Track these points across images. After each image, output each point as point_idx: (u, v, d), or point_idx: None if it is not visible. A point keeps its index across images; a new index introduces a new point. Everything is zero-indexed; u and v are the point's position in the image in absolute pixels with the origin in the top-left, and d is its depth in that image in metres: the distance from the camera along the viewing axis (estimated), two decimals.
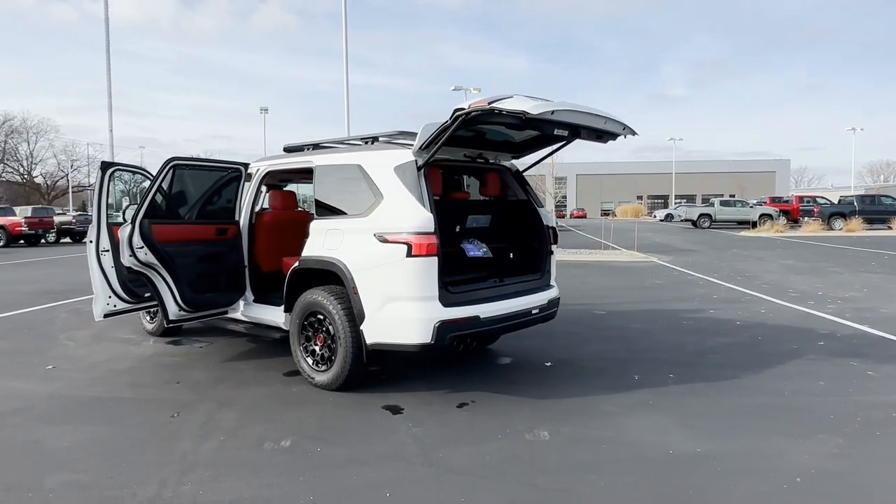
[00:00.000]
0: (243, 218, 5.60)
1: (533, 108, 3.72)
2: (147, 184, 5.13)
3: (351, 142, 5.19)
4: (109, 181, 5.20)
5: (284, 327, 5.16)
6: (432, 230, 4.20)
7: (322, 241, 4.71)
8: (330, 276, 4.64)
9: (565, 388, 4.80)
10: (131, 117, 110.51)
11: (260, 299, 5.56)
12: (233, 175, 5.37)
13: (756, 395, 4.57)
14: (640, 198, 78.89)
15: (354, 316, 4.43)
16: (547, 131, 4.12)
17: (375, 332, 4.35)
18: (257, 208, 5.74)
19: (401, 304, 4.23)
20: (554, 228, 5.43)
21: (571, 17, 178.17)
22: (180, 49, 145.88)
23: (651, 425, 3.97)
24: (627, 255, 17.36)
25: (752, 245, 21.25)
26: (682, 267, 14.17)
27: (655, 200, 78.14)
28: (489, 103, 3.84)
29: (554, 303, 5.22)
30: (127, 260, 4.67)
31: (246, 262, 5.57)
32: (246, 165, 5.44)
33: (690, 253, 18.30)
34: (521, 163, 5.67)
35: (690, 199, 68.71)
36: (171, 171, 4.80)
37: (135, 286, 5.28)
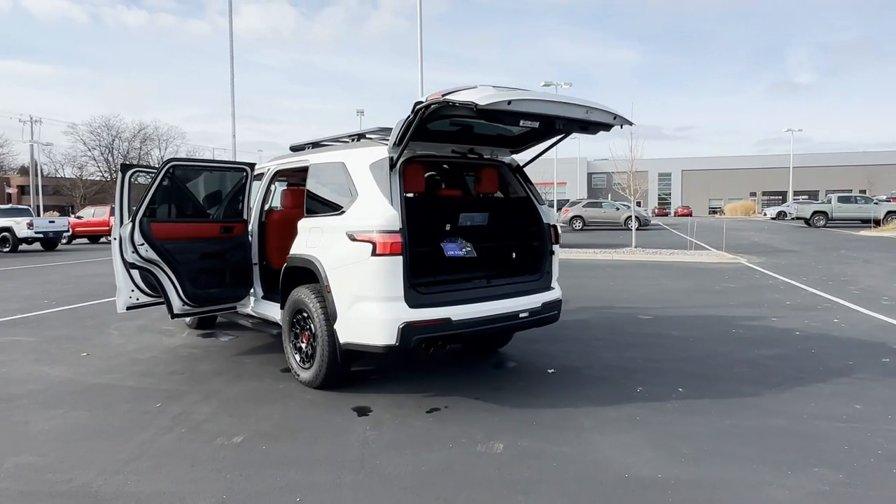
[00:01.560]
0: (252, 216, 5.76)
1: (483, 100, 3.50)
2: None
3: (343, 139, 5.19)
4: (130, 181, 5.54)
5: (279, 321, 5.25)
6: (397, 228, 4.08)
7: (305, 240, 4.74)
8: (312, 274, 4.65)
9: (552, 397, 4.49)
10: (254, 123, 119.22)
11: (268, 296, 5.70)
12: (238, 175, 5.54)
13: (765, 417, 4.02)
14: (753, 194, 73.29)
15: (326, 309, 4.42)
16: (510, 123, 3.86)
17: (346, 331, 4.30)
18: (266, 207, 5.88)
19: (366, 304, 4.15)
20: (555, 227, 5.11)
21: (687, 2, 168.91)
22: (299, 57, 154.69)
23: (621, 444, 3.60)
24: (714, 255, 16.12)
25: (867, 246, 19.00)
26: (768, 269, 12.94)
27: (771, 197, 72.17)
28: (443, 95, 3.66)
29: (551, 305, 4.90)
30: (130, 256, 4.95)
31: (256, 260, 5.73)
32: (252, 165, 5.59)
33: (787, 254, 16.68)
34: (521, 160, 5.39)
35: (812, 195, 62.80)
36: (170, 171, 5.03)
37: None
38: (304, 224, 4.83)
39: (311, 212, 4.84)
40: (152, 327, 7.17)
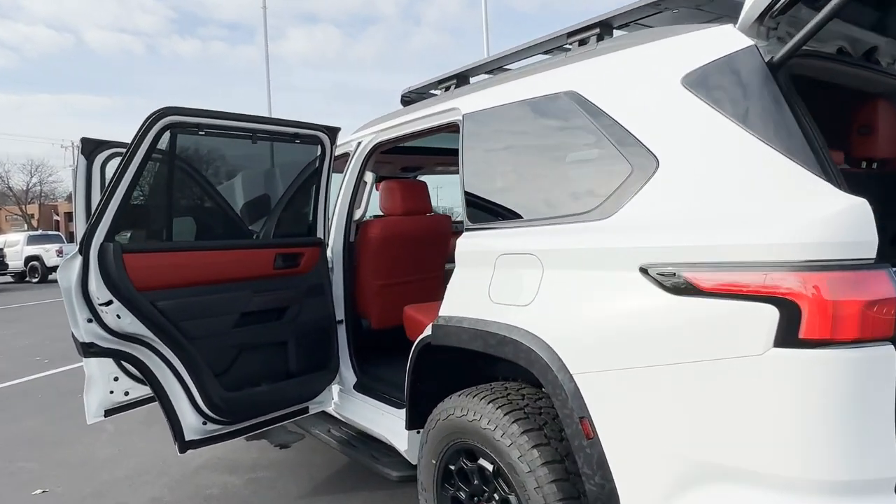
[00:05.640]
0: (333, 233, 3.04)
1: None
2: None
3: (547, 46, 2.33)
4: (103, 173, 2.89)
5: (407, 455, 2.48)
6: (874, 253, 1.24)
7: (482, 283, 1.95)
8: (507, 364, 1.89)
9: None
10: None
11: (365, 385, 2.95)
12: (307, 152, 2.80)
13: None
14: None
15: (576, 486, 1.62)
16: None
17: None
18: (359, 214, 3.10)
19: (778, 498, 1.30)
20: None
21: None
22: (342, 77, 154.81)
23: None
24: None
25: None
26: None
27: None
28: None
29: None
30: (84, 330, 2.24)
31: (341, 315, 3.00)
32: (333, 132, 2.84)
33: None
34: None
35: None
36: (164, 141, 2.28)
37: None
38: (475, 246, 2.06)
39: (489, 218, 2.07)
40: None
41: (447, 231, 3.41)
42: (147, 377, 2.38)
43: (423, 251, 3.31)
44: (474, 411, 1.93)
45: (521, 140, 2.02)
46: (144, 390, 3.03)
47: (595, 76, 1.82)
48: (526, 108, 2.01)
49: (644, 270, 1.48)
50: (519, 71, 2.25)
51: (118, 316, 2.22)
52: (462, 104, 2.35)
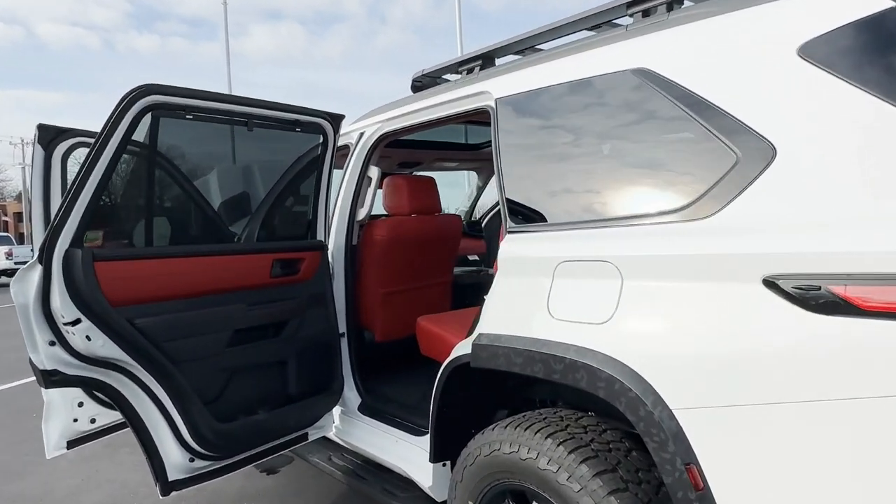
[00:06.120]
0: (334, 235, 2.69)
1: None
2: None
3: (593, 21, 2.02)
4: (64, 165, 2.47)
5: (432, 493, 2.15)
6: None
7: (538, 295, 1.64)
8: (545, 385, 1.61)
9: None
10: None
11: (372, 406, 2.61)
12: (308, 141, 2.45)
13: None
14: None
15: None
16: None
17: None
18: (362, 214, 2.76)
19: None
20: None
21: None
22: (306, 75, 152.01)
23: None
24: None
25: None
26: None
27: None
28: None
29: None
30: (46, 355, 1.85)
31: (343, 327, 2.65)
32: (337, 120, 2.48)
33: None
34: None
35: None
36: (144, 124, 1.90)
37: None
38: (524, 251, 1.75)
39: (531, 220, 1.76)
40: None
41: (458, 233, 3.09)
42: (122, 408, 2.00)
43: (433, 255, 2.99)
44: (528, 447, 1.62)
45: (578, 126, 1.71)
46: (114, 416, 2.64)
47: (674, 50, 1.53)
48: (584, 90, 1.71)
49: (771, 283, 1.19)
50: (563, 49, 1.94)
51: (88, 337, 1.83)
52: (494, 87, 2.04)
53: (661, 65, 1.54)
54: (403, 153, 3.80)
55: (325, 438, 2.74)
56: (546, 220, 1.73)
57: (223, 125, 2.13)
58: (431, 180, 2.99)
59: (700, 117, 1.41)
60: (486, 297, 1.88)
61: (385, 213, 2.97)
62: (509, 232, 1.83)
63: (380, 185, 2.89)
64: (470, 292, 3.37)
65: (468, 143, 3.92)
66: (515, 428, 1.70)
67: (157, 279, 1.95)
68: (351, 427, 2.65)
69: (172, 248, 2.03)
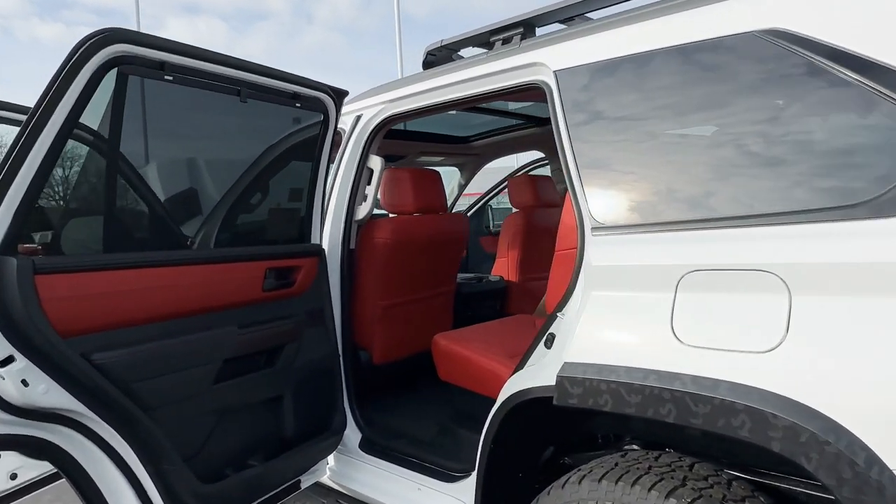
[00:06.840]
0: (328, 238, 2.23)
1: None
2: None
3: None
4: None
5: None
6: None
7: (655, 314, 1.27)
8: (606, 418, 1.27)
9: None
10: None
11: (377, 443, 2.17)
12: (303, 121, 1.98)
13: None
14: None
15: None
16: None
17: None
18: (362, 213, 2.30)
19: None
20: None
21: None
22: None
23: None
24: None
25: None
26: None
27: None
28: None
29: None
30: None
31: (340, 348, 2.19)
32: (340, 96, 2.01)
33: None
34: None
35: None
36: (100, 81, 1.37)
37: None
38: (619, 259, 1.37)
39: (634, 217, 1.39)
40: None
41: (465, 234, 2.68)
42: (72, 476, 1.46)
43: (439, 260, 2.57)
44: None
45: (689, 101, 1.37)
46: (41, 467, 2.10)
47: (821, 7, 1.21)
48: (693, 58, 1.37)
49: None
50: (643, 11, 1.60)
51: (24, 382, 1.30)
52: (550, 58, 1.67)
53: (807, 25, 1.22)
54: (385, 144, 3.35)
55: (316, 484, 2.27)
56: (658, 218, 1.37)
57: (204, 93, 1.63)
58: (437, 174, 2.56)
59: (870, 79, 1.10)
60: (561, 315, 1.50)
61: (383, 212, 2.54)
62: (596, 232, 1.45)
63: None
64: (473, 303, 2.97)
65: (464, 135, 3.52)
66: (609, 482, 1.32)
67: (122, 297, 1.43)
68: (350, 469, 2.20)
69: (143, 254, 1.51)
